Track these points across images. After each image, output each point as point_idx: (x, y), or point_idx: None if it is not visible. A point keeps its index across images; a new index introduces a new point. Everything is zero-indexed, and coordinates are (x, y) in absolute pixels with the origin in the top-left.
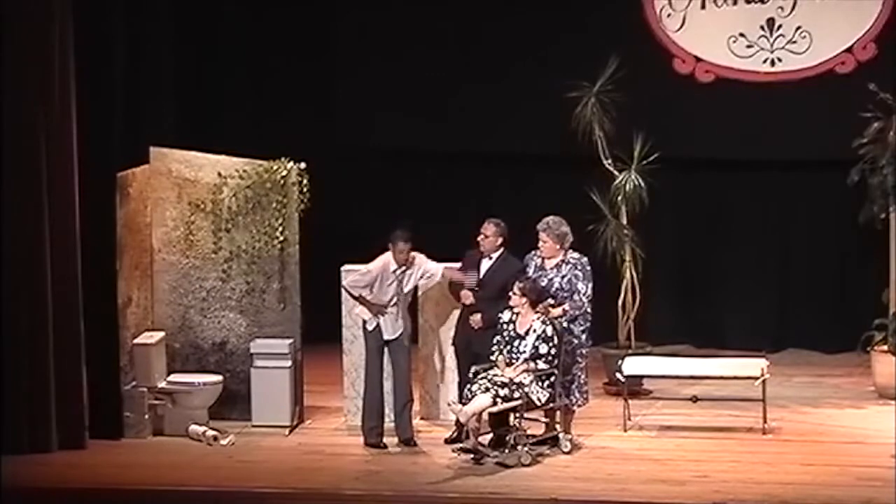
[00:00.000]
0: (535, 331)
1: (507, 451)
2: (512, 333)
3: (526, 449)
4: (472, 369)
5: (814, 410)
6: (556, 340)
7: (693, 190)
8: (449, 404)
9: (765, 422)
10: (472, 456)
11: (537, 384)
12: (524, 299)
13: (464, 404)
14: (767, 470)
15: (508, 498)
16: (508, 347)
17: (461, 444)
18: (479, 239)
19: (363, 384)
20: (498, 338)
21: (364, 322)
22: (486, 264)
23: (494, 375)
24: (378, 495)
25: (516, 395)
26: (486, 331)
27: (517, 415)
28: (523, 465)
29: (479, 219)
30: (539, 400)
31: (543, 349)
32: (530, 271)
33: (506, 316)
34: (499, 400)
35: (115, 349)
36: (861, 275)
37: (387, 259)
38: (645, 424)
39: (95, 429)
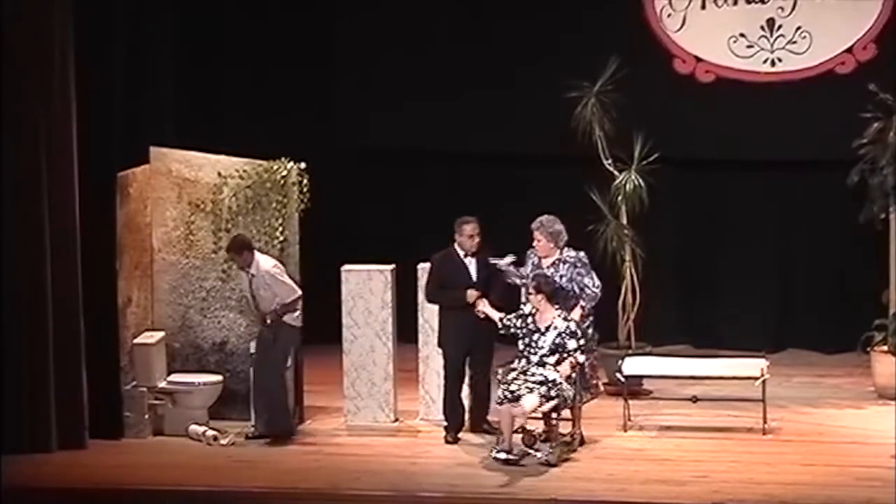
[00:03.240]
0: (556, 327)
1: (542, 449)
2: (531, 326)
3: (558, 447)
4: (500, 370)
5: (813, 411)
6: (579, 334)
7: (693, 190)
8: (500, 404)
9: (764, 422)
10: (509, 457)
11: (567, 382)
12: (541, 295)
13: (500, 404)
14: (767, 470)
15: (508, 498)
16: (527, 340)
17: (506, 454)
18: (473, 243)
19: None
20: (517, 322)
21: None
22: (471, 263)
23: (529, 375)
24: (377, 495)
25: (552, 393)
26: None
27: (556, 414)
28: (551, 465)
29: (477, 219)
30: (569, 398)
31: (572, 345)
32: (528, 269)
33: (527, 308)
34: (542, 399)
35: (115, 349)
36: (861, 275)
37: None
38: (645, 425)
39: (95, 429)
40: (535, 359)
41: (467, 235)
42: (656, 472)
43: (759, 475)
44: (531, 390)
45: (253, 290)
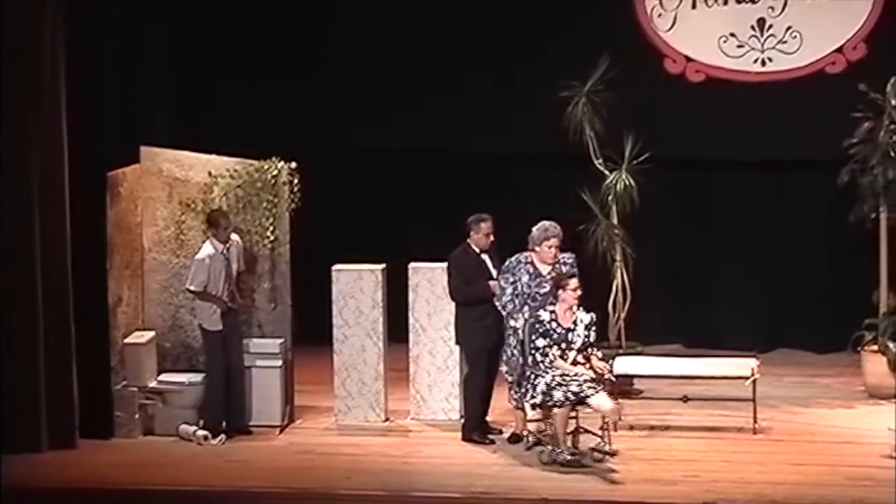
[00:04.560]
0: (582, 321)
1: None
2: (559, 330)
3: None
4: (553, 374)
5: (804, 410)
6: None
7: (684, 190)
8: (560, 406)
9: (755, 422)
10: (573, 458)
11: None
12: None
13: (559, 406)
14: (758, 470)
15: (500, 498)
16: (563, 344)
17: (571, 456)
18: (488, 241)
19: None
20: (545, 341)
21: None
22: (486, 258)
23: (578, 375)
24: (369, 495)
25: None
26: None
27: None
28: (595, 462)
29: (468, 218)
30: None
31: (593, 336)
32: (524, 279)
33: (546, 316)
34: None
35: (105, 349)
36: (851, 275)
37: (211, 246)
38: (635, 424)
39: (86, 428)
40: (570, 356)
41: (484, 234)
42: (647, 471)
43: (749, 475)
44: (595, 390)
45: (229, 265)
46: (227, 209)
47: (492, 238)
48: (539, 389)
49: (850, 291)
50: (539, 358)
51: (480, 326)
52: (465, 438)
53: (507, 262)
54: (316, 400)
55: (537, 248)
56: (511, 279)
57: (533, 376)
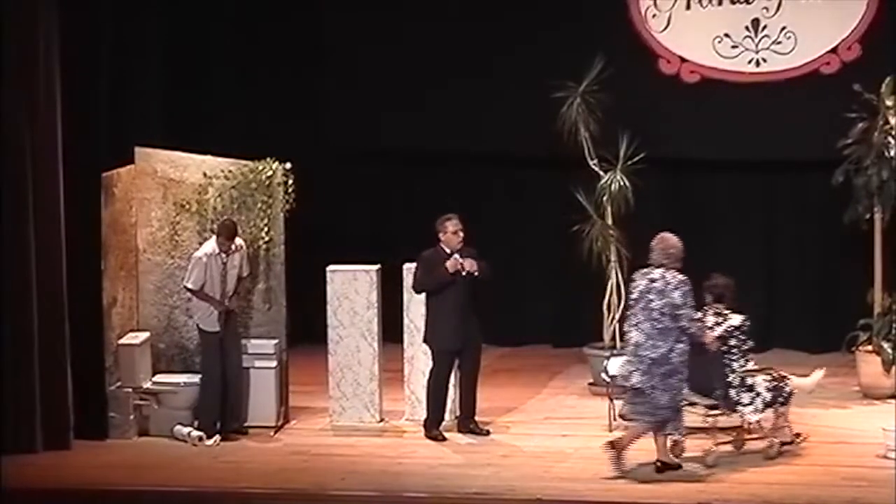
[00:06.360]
0: None
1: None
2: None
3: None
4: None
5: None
6: None
7: (678, 190)
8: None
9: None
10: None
11: None
12: None
13: (782, 402)
14: (752, 470)
15: (493, 498)
16: None
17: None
18: (458, 239)
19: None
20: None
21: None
22: (457, 258)
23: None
24: (363, 496)
25: None
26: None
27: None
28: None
29: (464, 218)
30: None
31: None
32: (657, 288)
33: (738, 319)
34: None
35: (100, 350)
36: (846, 275)
37: (212, 245)
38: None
39: (80, 429)
40: None
41: (451, 232)
42: (641, 471)
43: (744, 475)
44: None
45: (227, 269)
46: (221, 210)
47: (461, 235)
48: (763, 388)
49: (845, 292)
50: (748, 362)
51: (446, 328)
52: (426, 436)
53: (680, 284)
54: (311, 401)
55: (678, 264)
56: (690, 299)
57: (746, 380)
